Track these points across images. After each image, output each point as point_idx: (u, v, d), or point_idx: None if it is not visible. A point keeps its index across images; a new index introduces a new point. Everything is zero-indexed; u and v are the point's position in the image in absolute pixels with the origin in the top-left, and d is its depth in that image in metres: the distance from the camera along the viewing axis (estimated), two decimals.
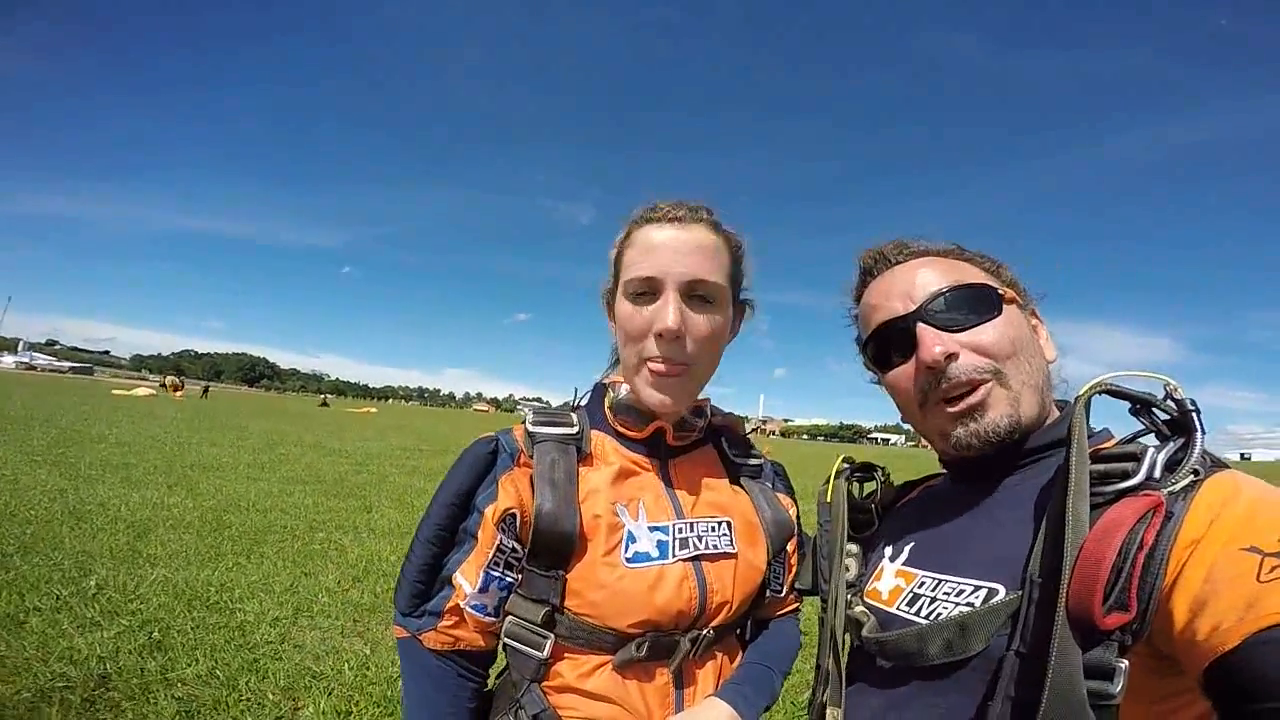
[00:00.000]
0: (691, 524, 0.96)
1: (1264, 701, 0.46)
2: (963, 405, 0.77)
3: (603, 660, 0.90)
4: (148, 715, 2.60)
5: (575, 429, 0.98)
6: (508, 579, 0.92)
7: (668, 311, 0.89)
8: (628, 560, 0.90)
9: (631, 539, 0.91)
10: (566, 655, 0.91)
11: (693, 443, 1.06)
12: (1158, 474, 0.61)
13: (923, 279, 0.82)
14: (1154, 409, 0.66)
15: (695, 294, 0.93)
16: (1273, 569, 0.49)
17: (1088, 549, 0.57)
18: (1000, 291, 0.81)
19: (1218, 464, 0.63)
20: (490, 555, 0.90)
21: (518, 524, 0.91)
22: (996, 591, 0.68)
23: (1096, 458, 0.65)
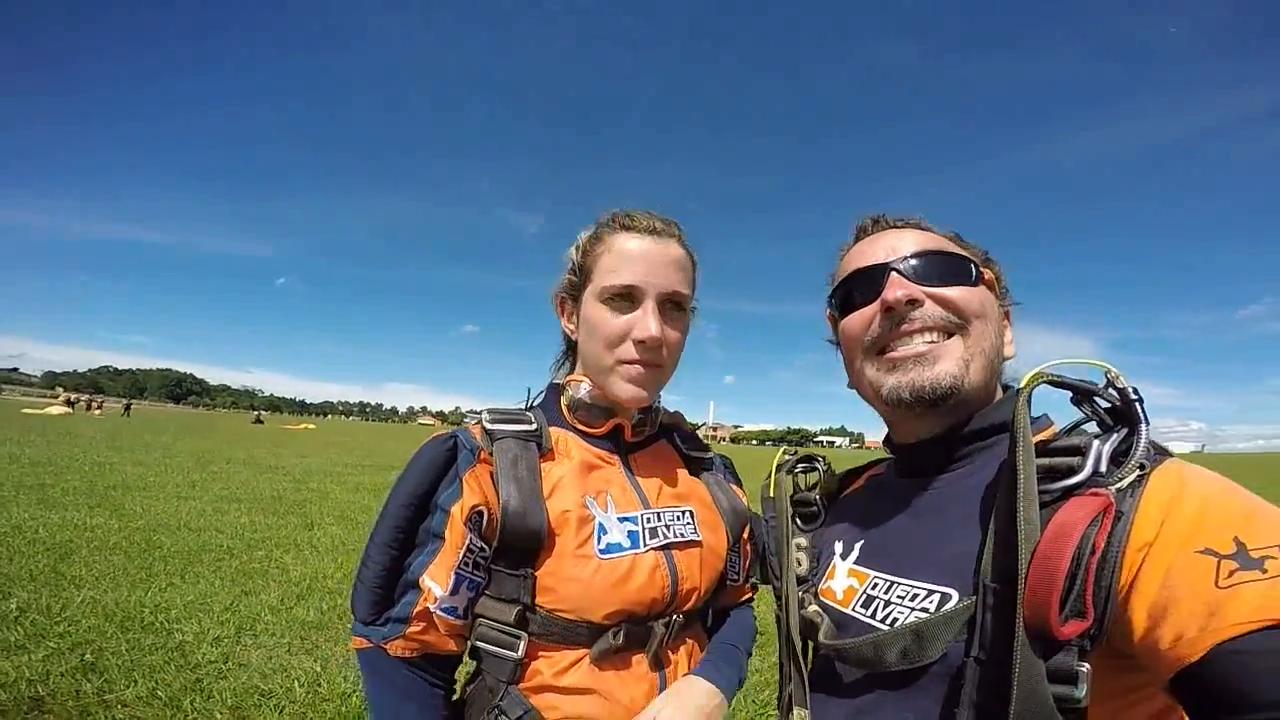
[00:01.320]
0: (658, 513, 1.00)
1: (1243, 714, 0.46)
2: (908, 352, 0.76)
3: (579, 655, 0.91)
4: None
5: (534, 425, 0.99)
6: (476, 579, 0.91)
7: (649, 321, 0.95)
8: (601, 552, 0.92)
9: (603, 530, 0.93)
10: (541, 654, 0.91)
11: (647, 438, 1.11)
12: (1103, 468, 0.59)
13: (908, 239, 0.82)
14: (1096, 398, 0.65)
15: (670, 303, 1.00)
16: (1230, 573, 0.49)
17: (1040, 557, 0.55)
18: (981, 271, 0.81)
19: (1162, 452, 0.62)
20: (460, 555, 0.88)
21: (484, 522, 0.90)
22: (950, 597, 0.68)
23: (1041, 451, 0.64)
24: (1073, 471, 0.60)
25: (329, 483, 11.91)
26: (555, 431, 1.02)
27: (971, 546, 0.67)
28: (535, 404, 1.10)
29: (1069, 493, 0.59)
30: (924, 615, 0.68)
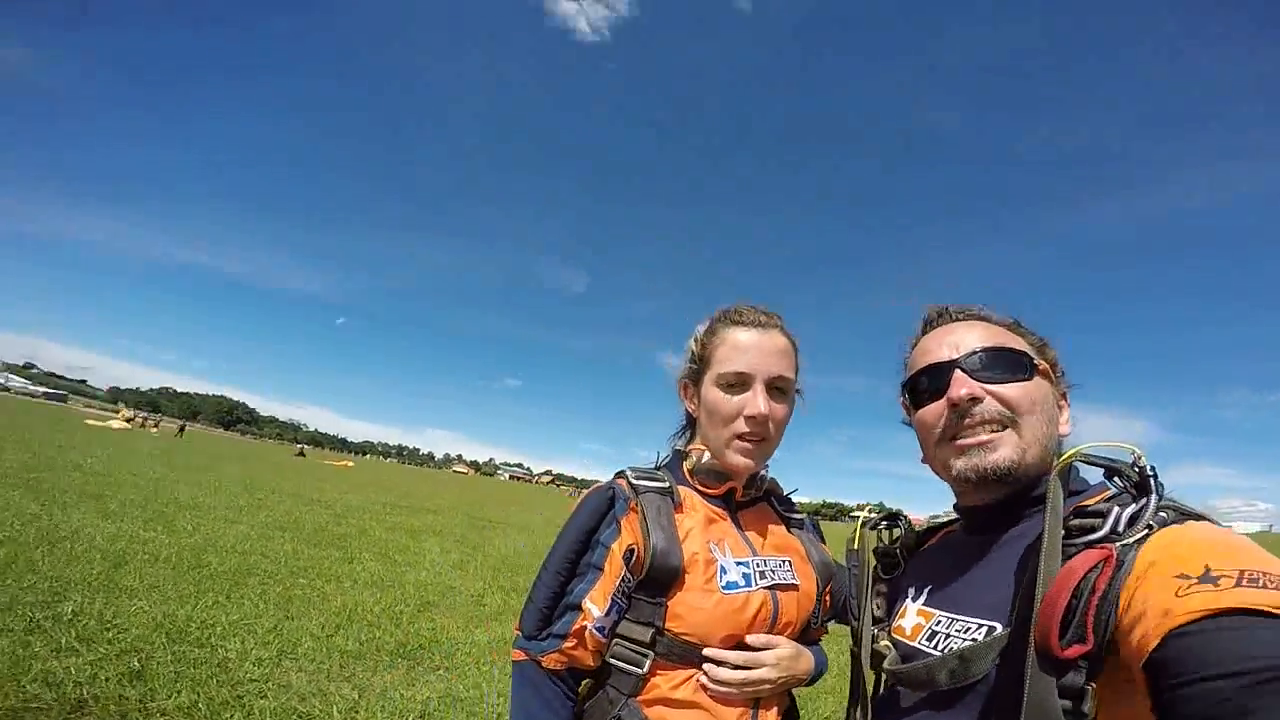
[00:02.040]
0: (764, 560, 1.16)
1: (1174, 679, 0.56)
2: (972, 440, 0.88)
3: (690, 673, 1.06)
4: None
5: (667, 483, 1.17)
6: (622, 605, 1.08)
7: (759, 401, 1.12)
8: (723, 588, 1.07)
9: (724, 570, 1.09)
10: (660, 671, 1.06)
11: (752, 499, 1.27)
12: (1121, 528, 0.72)
13: (970, 335, 0.95)
14: (1122, 475, 0.78)
15: (775, 386, 1.15)
16: (1189, 586, 0.60)
17: (1048, 593, 0.68)
18: (1036, 362, 0.92)
19: (1189, 516, 0.73)
20: (617, 584, 1.06)
21: (634, 558, 1.08)
22: (994, 629, 0.80)
23: (1078, 512, 0.77)
24: (1094, 530, 0.73)
25: (368, 519, 12.01)
26: (682, 489, 1.19)
27: (1012, 588, 0.82)
28: (663, 464, 1.29)
29: (1089, 546, 0.72)
30: (970, 643, 0.81)
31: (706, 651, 1.05)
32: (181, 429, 55.46)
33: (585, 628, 1.04)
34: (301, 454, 60.52)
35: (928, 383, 0.95)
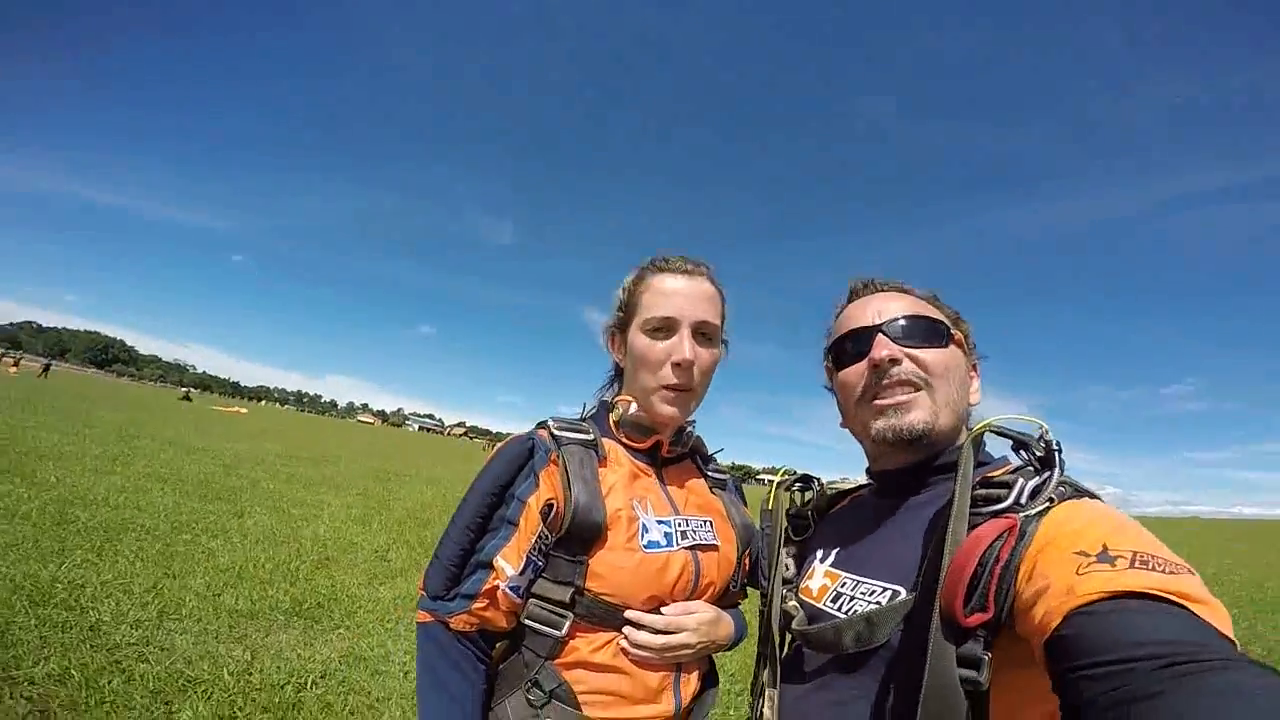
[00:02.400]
0: (686, 519, 1.15)
1: (1076, 659, 0.58)
2: (890, 400, 0.93)
3: (611, 636, 1.04)
4: None
5: (592, 435, 1.15)
6: (539, 563, 1.05)
7: (684, 346, 1.12)
8: (644, 546, 1.06)
9: (645, 529, 1.08)
10: (579, 634, 1.04)
11: (679, 455, 1.26)
12: (1024, 500, 0.76)
13: (893, 304, 1.00)
14: (1030, 447, 0.82)
15: (701, 332, 1.15)
16: (1089, 565, 0.62)
17: (955, 560, 0.71)
18: (952, 332, 0.98)
19: (1084, 493, 0.77)
20: (533, 541, 1.03)
21: (552, 514, 1.04)
22: (899, 593, 0.83)
23: (984, 483, 0.82)
24: (1000, 500, 0.77)
25: (260, 471, 11.39)
26: (607, 442, 1.18)
27: (918, 553, 0.84)
28: (588, 415, 1.27)
29: (994, 516, 0.75)
30: (875, 606, 0.84)
31: (627, 614, 1.04)
32: (45, 368, 50.12)
33: (498, 587, 1.01)
34: (187, 398, 56.02)
35: (851, 346, 0.99)
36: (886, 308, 0.99)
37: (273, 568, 5.10)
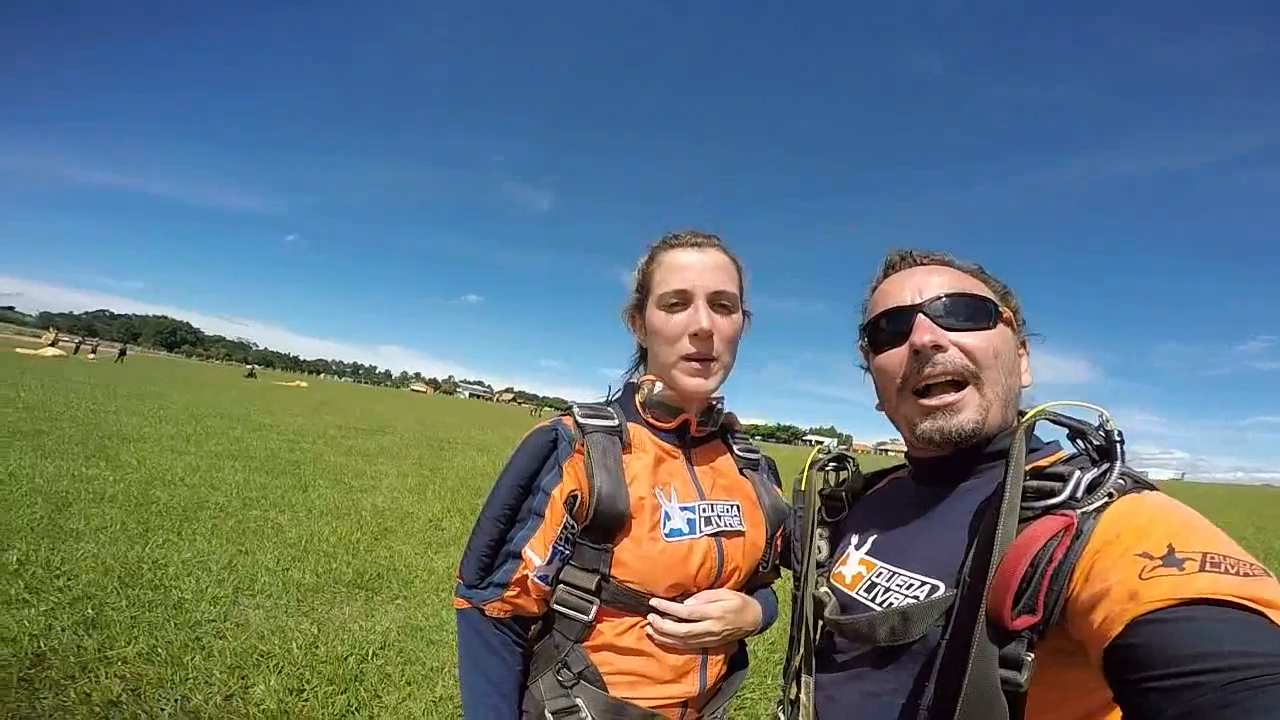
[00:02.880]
0: (712, 505, 1.14)
1: (1145, 670, 0.54)
2: (938, 401, 0.84)
3: (637, 620, 1.06)
4: (91, 694, 2.54)
5: (616, 421, 1.13)
6: (565, 552, 1.06)
7: (700, 316, 1.09)
8: (666, 535, 1.06)
9: (668, 517, 1.08)
10: (606, 618, 1.06)
11: (708, 435, 1.24)
12: (1079, 494, 0.69)
13: (934, 280, 0.90)
14: (1088, 436, 0.75)
15: (719, 302, 1.12)
16: (1153, 569, 0.57)
17: (1005, 561, 0.66)
18: (1000, 310, 0.88)
19: (1143, 485, 0.71)
20: (558, 532, 1.05)
21: (577, 504, 1.05)
22: (937, 588, 0.79)
23: (1035, 474, 0.74)
24: (1054, 494, 0.70)
25: (321, 444, 12.00)
26: (632, 427, 1.16)
27: (961, 548, 0.78)
28: (614, 399, 1.26)
29: (1047, 511, 0.69)
30: (913, 601, 0.80)
31: (652, 603, 1.05)
32: (121, 353, 53.01)
33: (527, 576, 1.04)
34: (252, 375, 58.92)
35: (889, 326, 0.91)
36: (928, 284, 0.89)
37: (336, 541, 5.41)
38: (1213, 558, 0.56)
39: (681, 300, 1.12)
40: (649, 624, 1.06)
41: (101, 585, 3.62)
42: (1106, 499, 0.68)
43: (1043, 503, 0.70)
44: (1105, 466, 0.71)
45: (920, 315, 0.86)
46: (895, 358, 0.89)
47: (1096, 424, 0.75)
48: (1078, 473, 0.71)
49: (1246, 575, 0.55)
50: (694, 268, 1.12)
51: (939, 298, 0.87)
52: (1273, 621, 0.52)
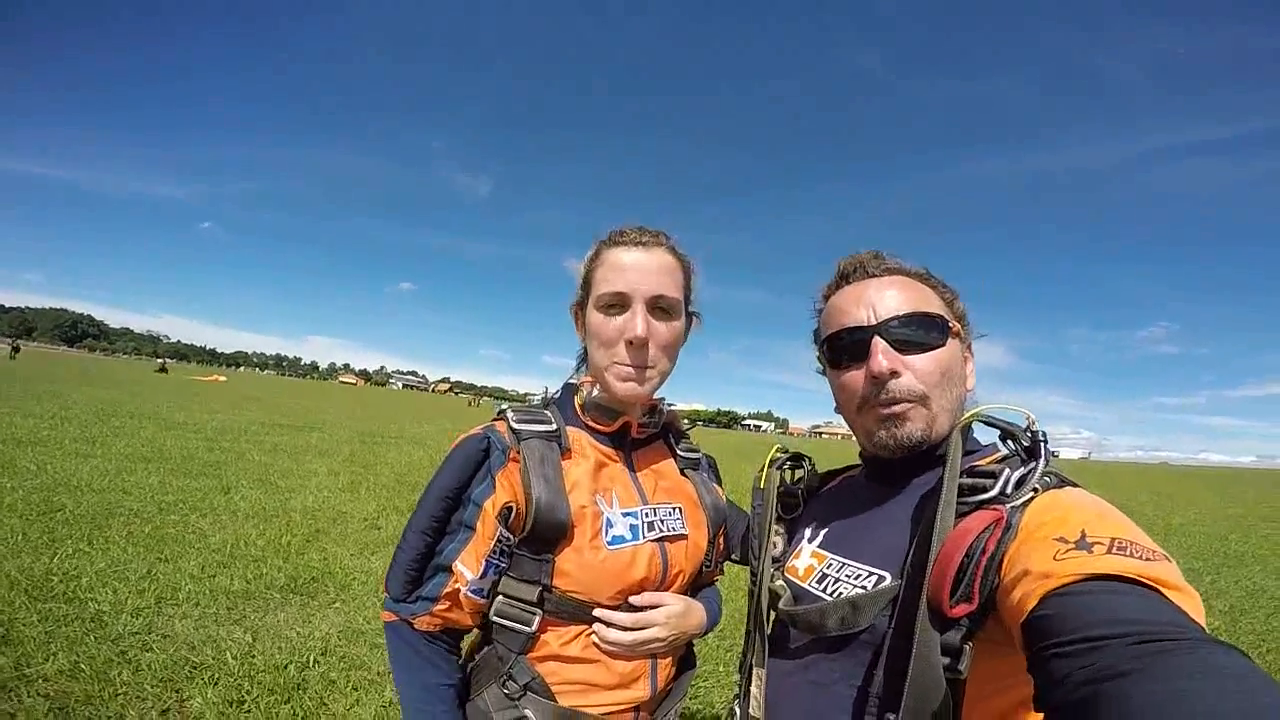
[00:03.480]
0: (654, 509, 1.13)
1: (1052, 638, 0.58)
2: (889, 412, 0.91)
3: (582, 629, 1.06)
4: (15, 715, 2.42)
5: (554, 426, 1.10)
6: (501, 564, 1.04)
7: (636, 322, 1.06)
8: (609, 543, 1.05)
9: (610, 524, 1.06)
10: (550, 628, 1.05)
11: (649, 436, 1.23)
12: (1009, 490, 0.76)
13: (890, 298, 0.94)
14: (1016, 438, 0.83)
15: (658, 306, 1.09)
16: (1066, 551, 0.63)
17: (943, 551, 0.72)
18: (950, 324, 0.94)
19: (1066, 482, 0.79)
20: (491, 544, 1.02)
21: (512, 515, 1.03)
22: (884, 578, 0.84)
23: (971, 472, 0.81)
24: (985, 490, 0.78)
25: (244, 442, 11.42)
26: (571, 432, 1.13)
27: (905, 541, 0.85)
28: (553, 399, 1.22)
29: (979, 506, 0.77)
30: (861, 591, 0.85)
31: (596, 613, 1.05)
32: (15, 349, 48.45)
33: (459, 590, 1.01)
34: (163, 369, 55.08)
35: (848, 342, 0.96)
36: (882, 302, 0.94)
37: (264, 544, 5.21)
38: (1120, 542, 0.63)
39: (619, 303, 1.08)
40: (594, 633, 1.05)
41: (8, 600, 3.40)
42: (1032, 494, 0.75)
43: (976, 498, 0.77)
44: (1031, 465, 0.78)
45: (877, 338, 0.91)
46: (854, 379, 0.95)
47: (1024, 425, 0.83)
48: (1007, 470, 0.78)
49: (1148, 559, 0.61)
50: (635, 269, 1.08)
51: (894, 319, 0.92)
52: (1169, 599, 0.58)
